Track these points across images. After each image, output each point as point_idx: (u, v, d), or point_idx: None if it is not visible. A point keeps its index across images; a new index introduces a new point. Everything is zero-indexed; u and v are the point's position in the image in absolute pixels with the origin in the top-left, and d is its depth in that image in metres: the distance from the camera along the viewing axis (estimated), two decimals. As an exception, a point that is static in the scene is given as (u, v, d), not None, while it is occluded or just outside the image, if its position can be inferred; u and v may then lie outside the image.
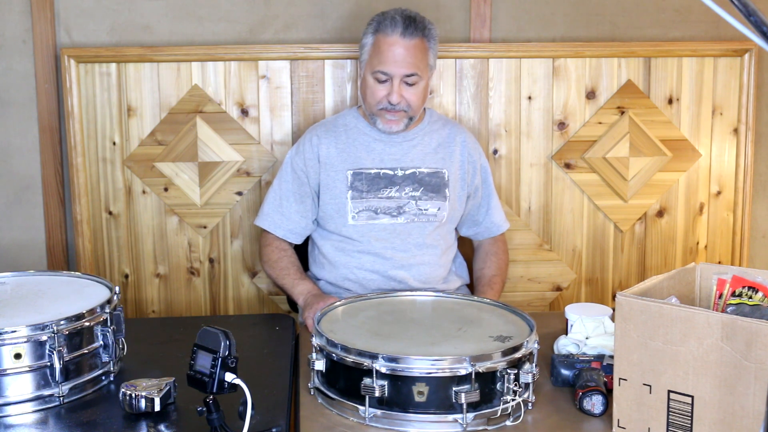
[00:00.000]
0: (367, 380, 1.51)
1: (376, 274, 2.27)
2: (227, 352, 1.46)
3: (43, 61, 2.65)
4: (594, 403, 1.55)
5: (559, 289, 2.86)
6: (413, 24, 2.20)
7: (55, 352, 1.58)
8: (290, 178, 2.33)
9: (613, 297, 2.40)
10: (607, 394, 1.54)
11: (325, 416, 1.58)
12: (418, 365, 1.50)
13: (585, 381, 1.58)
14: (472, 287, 2.45)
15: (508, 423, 1.53)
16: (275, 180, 2.38)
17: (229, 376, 1.46)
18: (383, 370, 1.50)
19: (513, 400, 1.52)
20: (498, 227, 2.48)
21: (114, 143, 2.68)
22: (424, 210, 2.29)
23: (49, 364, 1.59)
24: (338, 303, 1.86)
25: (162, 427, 1.51)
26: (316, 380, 1.64)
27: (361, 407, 1.53)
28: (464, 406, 1.49)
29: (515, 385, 1.51)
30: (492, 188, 2.46)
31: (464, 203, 2.39)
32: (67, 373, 1.61)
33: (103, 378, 1.70)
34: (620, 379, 1.46)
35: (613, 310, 1.69)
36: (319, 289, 2.24)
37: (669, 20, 2.79)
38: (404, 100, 2.22)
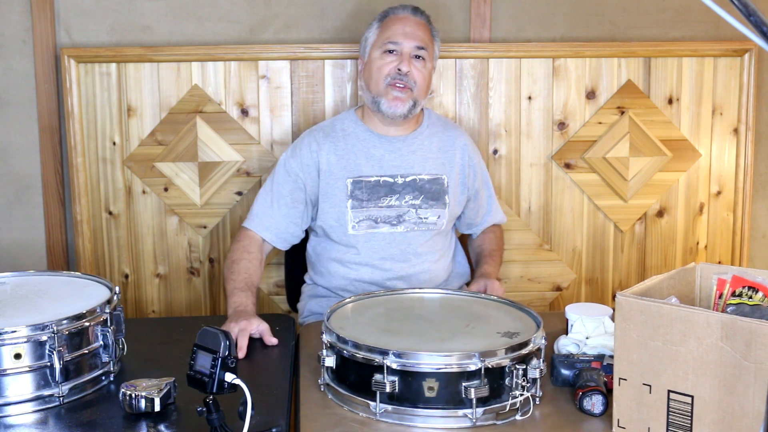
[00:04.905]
0: (377, 376, 1.52)
1: (374, 285, 2.25)
2: (227, 352, 1.46)
3: (43, 61, 2.64)
4: (594, 403, 1.55)
5: (559, 289, 2.86)
6: (420, 10, 2.31)
7: (55, 352, 1.58)
8: (282, 180, 2.27)
9: (613, 297, 2.40)
10: (607, 394, 1.54)
11: (326, 415, 1.57)
12: (429, 361, 1.51)
13: (585, 381, 1.58)
14: (472, 273, 2.44)
15: (517, 417, 1.54)
16: (267, 182, 2.31)
17: (229, 376, 1.45)
18: (394, 365, 1.51)
19: (521, 395, 1.53)
20: (496, 223, 2.53)
21: (114, 143, 2.68)
22: (424, 218, 2.27)
23: (49, 364, 1.59)
24: (347, 300, 1.86)
25: (162, 427, 1.51)
26: (326, 377, 1.65)
27: (372, 403, 1.54)
28: (474, 401, 1.49)
29: (523, 380, 1.53)
30: (491, 189, 2.48)
31: (463, 206, 2.38)
32: (67, 373, 1.61)
33: (103, 378, 1.70)
34: (620, 379, 1.46)
35: (613, 310, 1.69)
36: (249, 306, 2.04)
37: (669, 20, 2.79)
38: (412, 75, 2.21)
